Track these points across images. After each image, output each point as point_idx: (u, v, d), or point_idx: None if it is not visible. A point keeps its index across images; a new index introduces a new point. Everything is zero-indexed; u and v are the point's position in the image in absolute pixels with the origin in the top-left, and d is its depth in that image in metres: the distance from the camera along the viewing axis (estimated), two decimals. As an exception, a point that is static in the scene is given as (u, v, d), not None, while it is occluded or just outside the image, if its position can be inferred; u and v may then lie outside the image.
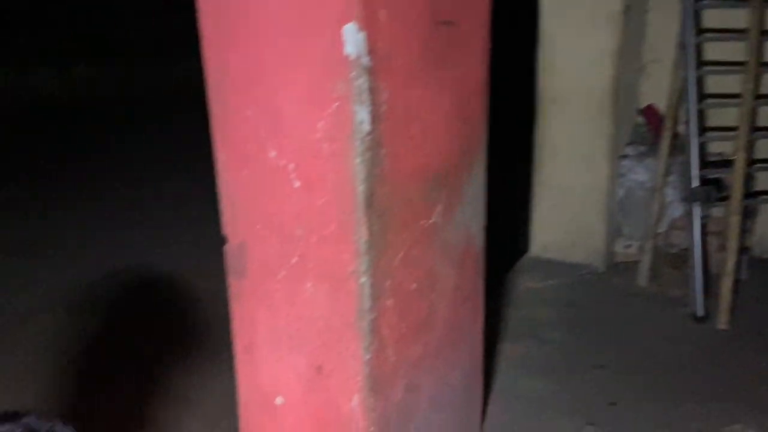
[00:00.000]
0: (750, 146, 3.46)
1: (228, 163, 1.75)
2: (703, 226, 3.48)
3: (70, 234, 4.87)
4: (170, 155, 6.74)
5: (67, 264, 4.35)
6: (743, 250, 3.57)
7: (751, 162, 3.57)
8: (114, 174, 6.32)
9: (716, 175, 3.57)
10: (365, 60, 1.48)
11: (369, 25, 1.47)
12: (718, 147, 3.74)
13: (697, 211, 3.42)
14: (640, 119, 4.13)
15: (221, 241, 1.82)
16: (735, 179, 3.38)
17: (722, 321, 3.24)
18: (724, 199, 3.48)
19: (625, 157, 3.92)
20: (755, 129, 3.52)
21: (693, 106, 3.45)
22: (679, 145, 3.71)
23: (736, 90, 3.44)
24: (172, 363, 3.10)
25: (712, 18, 3.66)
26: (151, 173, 6.33)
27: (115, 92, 10.55)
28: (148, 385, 2.93)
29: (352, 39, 1.47)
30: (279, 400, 1.85)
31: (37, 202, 5.57)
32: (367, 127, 1.53)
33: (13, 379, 3.04)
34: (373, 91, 1.52)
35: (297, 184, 1.64)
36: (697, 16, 3.54)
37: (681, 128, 3.69)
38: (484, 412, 2.51)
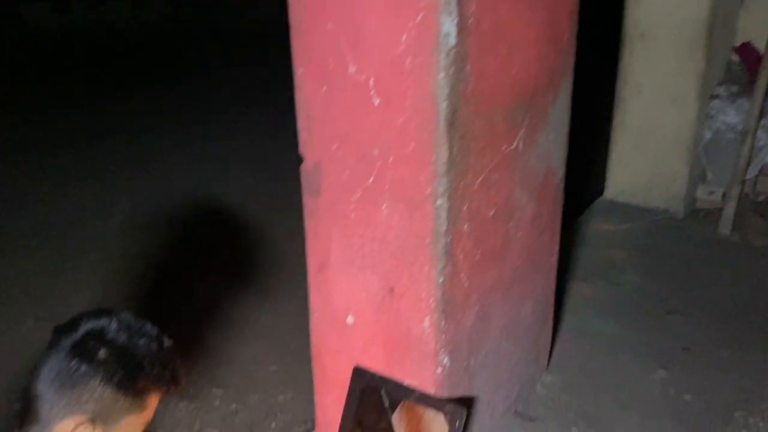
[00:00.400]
0: None
1: (306, 79, 1.71)
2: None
3: (150, 160, 5.04)
4: (248, 90, 6.83)
5: (146, 187, 4.53)
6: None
7: None
8: (191, 106, 6.45)
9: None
10: (454, -33, 1.40)
11: (460, -72, 1.39)
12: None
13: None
14: (735, 57, 3.84)
15: (298, 160, 1.81)
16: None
17: (811, 273, 3.05)
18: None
19: (715, 97, 3.67)
20: None
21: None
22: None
23: None
24: (244, 283, 3.20)
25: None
26: (228, 107, 6.43)
27: (189, 28, 10.70)
28: (223, 301, 3.04)
29: (442, -56, 1.38)
30: (350, 320, 1.87)
31: (108, 132, 5.75)
32: (452, 40, 1.46)
33: (102, 286, 3.22)
34: (460, 2, 1.44)
35: (376, 101, 1.59)
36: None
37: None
38: (552, 349, 2.48)
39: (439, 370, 1.76)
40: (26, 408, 1.06)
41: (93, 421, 1.05)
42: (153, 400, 1.13)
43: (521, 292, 2.06)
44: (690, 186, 3.74)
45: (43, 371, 1.06)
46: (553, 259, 2.25)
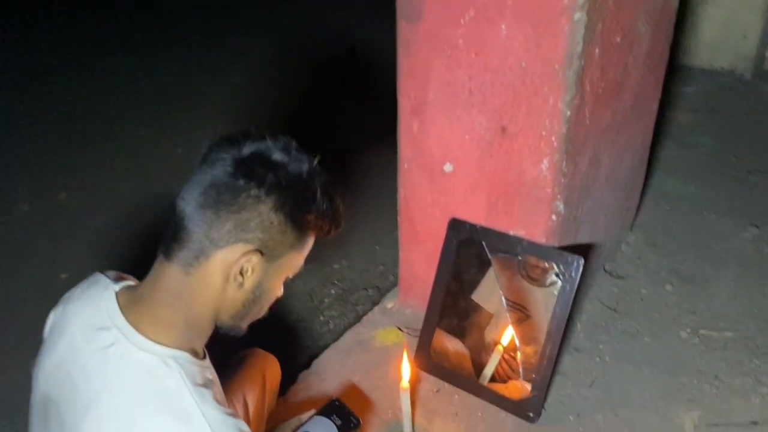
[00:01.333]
0: None
1: None
2: None
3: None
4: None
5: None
6: None
7: None
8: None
9: None
10: None
11: None
12: None
13: None
14: None
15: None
16: None
17: None
18: None
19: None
20: None
21: None
22: None
23: None
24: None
25: None
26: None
27: None
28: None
29: None
30: (448, 167, 1.69)
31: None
32: None
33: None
34: None
35: None
36: None
37: None
38: (638, 207, 2.33)
39: (553, 217, 1.60)
40: (175, 232, 0.89)
41: (260, 252, 0.90)
42: (311, 242, 0.98)
43: (626, 139, 1.87)
44: (761, 46, 3.46)
45: (199, 188, 0.88)
46: (654, 106, 2.04)
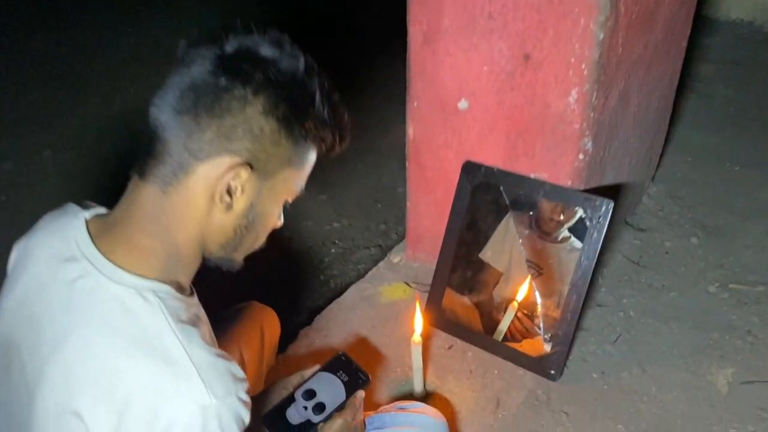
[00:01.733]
0: None
1: None
2: None
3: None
4: None
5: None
6: None
7: None
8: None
9: None
10: None
11: None
12: None
13: None
14: None
15: None
16: None
17: None
18: None
19: None
20: None
21: None
22: None
23: None
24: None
25: None
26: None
27: None
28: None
29: None
30: (463, 104, 1.53)
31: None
32: None
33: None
34: None
35: None
36: None
37: None
38: (660, 157, 2.19)
39: (581, 156, 1.46)
40: (150, 146, 0.74)
41: (250, 166, 0.75)
42: (311, 158, 0.82)
43: (655, 77, 1.72)
44: (781, -7, 3.30)
45: (176, 92, 0.73)
46: (684, 44, 1.88)
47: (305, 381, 1.04)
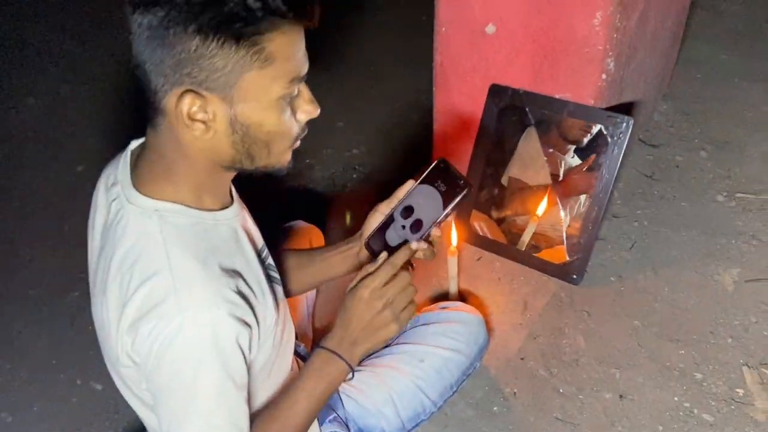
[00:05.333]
0: None
1: None
2: None
3: None
4: None
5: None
6: None
7: None
8: None
9: None
10: None
11: None
12: None
13: None
14: None
15: None
16: None
17: None
18: None
19: None
20: None
21: None
22: None
23: None
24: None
25: None
26: None
27: None
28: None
29: None
30: (490, 28, 1.61)
31: None
32: None
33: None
34: None
35: None
36: None
37: None
38: (672, 74, 2.26)
39: (603, 77, 1.55)
40: (140, 89, 0.79)
41: (195, 90, 0.75)
42: (279, 44, 0.76)
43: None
44: None
45: (146, 33, 0.74)
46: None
47: (405, 198, 0.98)
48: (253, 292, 0.86)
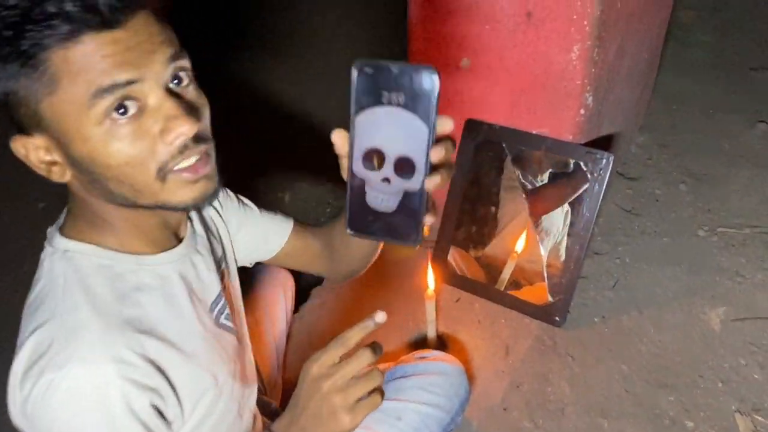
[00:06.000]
0: None
1: None
2: None
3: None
4: None
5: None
6: None
7: None
8: None
9: None
10: None
11: None
12: None
13: None
14: None
15: None
16: None
17: None
18: None
19: None
20: None
21: None
22: None
23: None
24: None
25: None
26: None
27: None
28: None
29: None
30: (465, 62, 1.56)
31: None
32: None
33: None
34: None
35: None
36: None
37: None
38: (647, 105, 2.24)
39: (582, 111, 1.50)
40: None
41: (23, 132, 0.67)
42: (53, 59, 0.61)
43: (646, 27, 1.76)
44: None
45: None
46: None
47: (354, 137, 0.60)
48: (176, 349, 0.75)
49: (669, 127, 2.28)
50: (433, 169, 0.57)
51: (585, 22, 1.36)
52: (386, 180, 0.57)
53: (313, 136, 2.45)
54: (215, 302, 0.86)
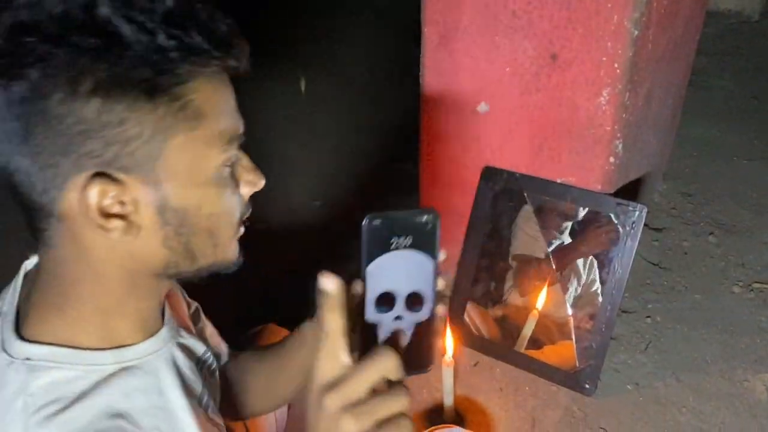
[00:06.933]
0: None
1: None
2: None
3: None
4: None
5: None
6: None
7: None
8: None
9: None
10: None
11: None
12: None
13: None
14: None
15: None
16: None
17: None
18: None
19: None
20: None
21: None
22: None
23: None
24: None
25: None
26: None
27: None
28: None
29: None
30: (482, 107, 1.45)
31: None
32: None
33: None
34: None
35: None
36: None
37: None
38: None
39: (612, 160, 1.38)
40: (15, 199, 0.58)
41: (105, 172, 0.54)
42: (207, 94, 0.57)
43: (673, 72, 1.66)
44: (768, -18, 3.29)
45: None
46: (697, 38, 1.82)
47: (368, 283, 0.60)
48: None
49: (691, 175, 2.17)
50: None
51: (616, 65, 1.26)
52: (398, 318, 0.58)
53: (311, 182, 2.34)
54: (203, 395, 0.72)
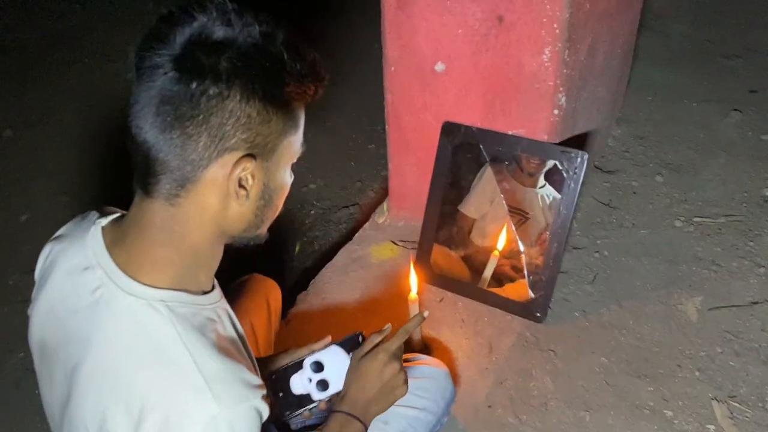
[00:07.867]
0: None
1: None
2: None
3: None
4: None
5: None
6: None
7: None
8: None
9: None
10: None
11: None
12: None
13: None
14: None
15: None
16: None
17: None
18: None
19: None
20: None
21: None
22: None
23: None
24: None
25: None
26: None
27: None
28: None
29: None
30: (439, 66, 1.58)
31: None
32: None
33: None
34: None
35: None
36: None
37: None
38: (623, 98, 2.27)
39: (555, 112, 1.53)
40: (146, 166, 0.74)
41: (252, 155, 0.74)
42: (301, 113, 0.80)
43: (619, 25, 1.79)
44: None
45: (151, 109, 0.71)
46: (642, -10, 1.94)
47: (318, 351, 1.07)
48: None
49: (645, 119, 2.31)
50: None
51: (555, 25, 1.39)
52: (309, 380, 1.06)
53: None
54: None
